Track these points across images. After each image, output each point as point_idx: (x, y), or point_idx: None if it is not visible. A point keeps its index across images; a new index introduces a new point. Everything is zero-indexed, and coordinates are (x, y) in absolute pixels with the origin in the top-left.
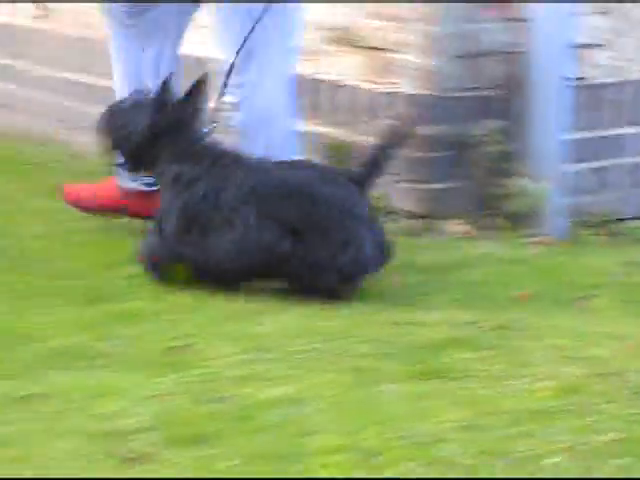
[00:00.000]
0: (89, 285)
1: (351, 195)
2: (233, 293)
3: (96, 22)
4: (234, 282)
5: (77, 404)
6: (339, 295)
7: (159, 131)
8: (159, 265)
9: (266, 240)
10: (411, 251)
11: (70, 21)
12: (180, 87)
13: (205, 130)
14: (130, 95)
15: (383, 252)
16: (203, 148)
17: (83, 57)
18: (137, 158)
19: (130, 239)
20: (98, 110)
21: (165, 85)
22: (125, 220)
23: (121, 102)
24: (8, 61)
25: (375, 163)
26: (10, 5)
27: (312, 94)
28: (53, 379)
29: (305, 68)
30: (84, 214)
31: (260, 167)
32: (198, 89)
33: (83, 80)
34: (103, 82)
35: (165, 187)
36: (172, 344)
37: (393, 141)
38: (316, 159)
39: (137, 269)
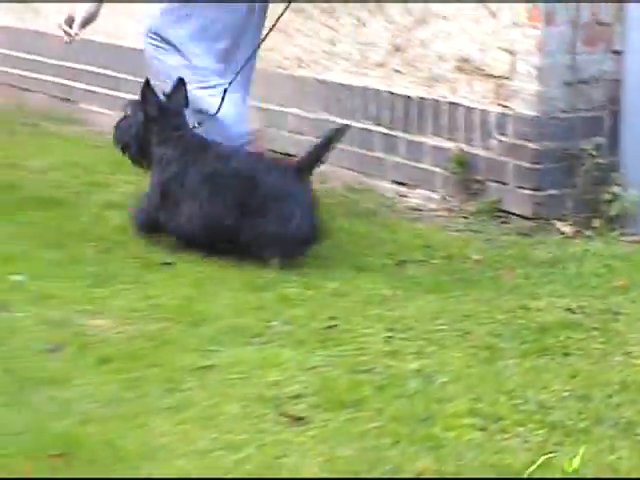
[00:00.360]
0: (249, 275)
1: (288, 182)
2: (373, 281)
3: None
4: (196, 244)
5: (246, 374)
6: (282, 264)
7: (148, 123)
8: (143, 227)
9: (215, 214)
10: (524, 248)
11: None
12: None
13: (186, 122)
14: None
15: (313, 229)
16: (181, 136)
17: None
18: (137, 148)
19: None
20: None
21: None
22: None
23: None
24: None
25: (315, 157)
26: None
27: (446, 115)
28: (226, 353)
29: (438, 92)
30: None
31: (221, 155)
32: (178, 89)
33: None
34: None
35: (152, 166)
36: (324, 324)
37: (330, 141)
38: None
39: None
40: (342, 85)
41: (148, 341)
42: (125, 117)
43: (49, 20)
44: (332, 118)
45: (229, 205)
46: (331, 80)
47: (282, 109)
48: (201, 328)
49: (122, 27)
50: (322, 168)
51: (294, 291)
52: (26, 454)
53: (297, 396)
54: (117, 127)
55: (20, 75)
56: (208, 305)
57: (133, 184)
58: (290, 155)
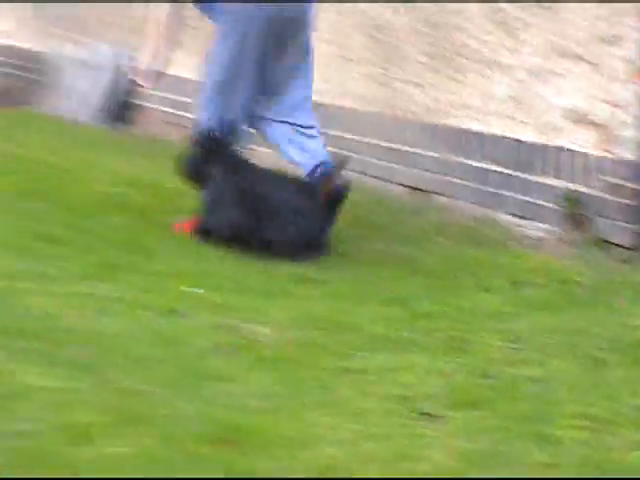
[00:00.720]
0: (384, 292)
1: (295, 197)
2: (493, 300)
3: None
4: (228, 240)
5: (383, 376)
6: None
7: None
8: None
9: (235, 218)
10: (626, 275)
11: None
12: None
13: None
14: None
15: (313, 236)
16: (230, 158)
17: None
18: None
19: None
20: None
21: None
22: None
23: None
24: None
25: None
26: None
27: (554, 157)
28: (366, 357)
29: (549, 137)
30: None
31: (250, 173)
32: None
33: None
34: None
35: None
36: (450, 335)
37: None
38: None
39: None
40: (464, 130)
41: (301, 346)
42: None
43: None
44: (455, 158)
45: (248, 213)
46: (455, 126)
47: (413, 150)
48: (345, 336)
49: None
50: (446, 201)
51: (425, 306)
52: (197, 439)
53: (428, 396)
54: (186, 155)
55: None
56: (351, 317)
57: None
58: (419, 189)
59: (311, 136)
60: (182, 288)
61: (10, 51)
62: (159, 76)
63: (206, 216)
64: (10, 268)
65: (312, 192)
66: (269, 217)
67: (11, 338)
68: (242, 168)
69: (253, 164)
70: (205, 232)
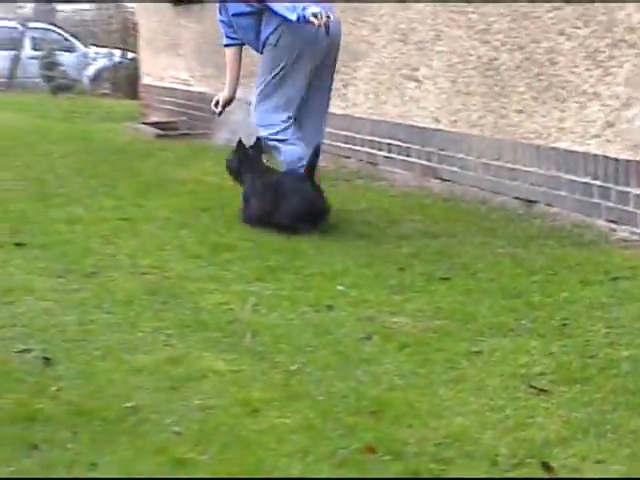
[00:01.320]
0: (504, 286)
1: (299, 182)
2: (594, 292)
3: None
4: (260, 223)
5: (504, 358)
6: (297, 231)
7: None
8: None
9: (262, 206)
10: None
11: None
12: None
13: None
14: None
15: (314, 208)
16: (258, 165)
17: None
18: (237, 173)
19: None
20: None
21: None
22: None
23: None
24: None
25: (310, 169)
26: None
27: None
28: (488, 342)
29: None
30: None
31: (270, 174)
32: (256, 144)
33: None
34: None
35: (246, 182)
36: (559, 323)
37: (314, 158)
38: None
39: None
40: (569, 151)
41: (433, 333)
42: (232, 157)
43: (360, 107)
44: (562, 175)
45: (268, 200)
46: (561, 147)
47: (524, 167)
48: (470, 324)
49: (409, 111)
50: (552, 210)
51: (537, 298)
52: (348, 411)
53: (541, 374)
54: (228, 161)
55: (340, 146)
56: (475, 308)
57: (421, 222)
58: (528, 201)
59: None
60: (339, 287)
61: (189, 95)
62: (225, 103)
63: (243, 207)
64: (193, 272)
65: (303, 177)
66: (281, 201)
67: (195, 330)
68: (264, 171)
69: (269, 167)
70: (245, 219)
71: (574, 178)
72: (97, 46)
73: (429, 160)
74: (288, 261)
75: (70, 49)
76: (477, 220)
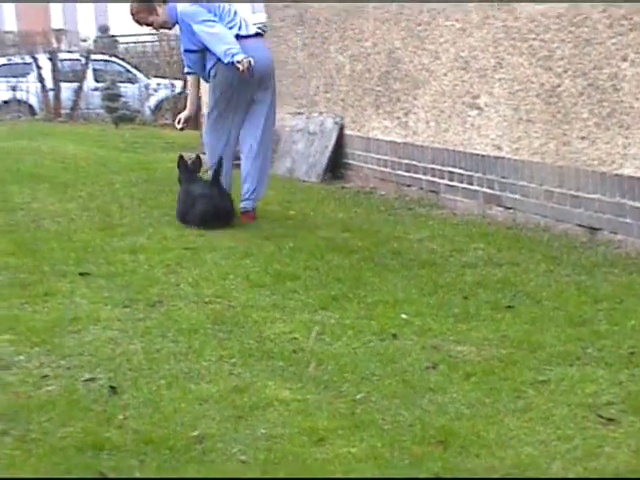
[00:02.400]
0: (571, 314)
1: (206, 189)
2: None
3: None
4: (181, 221)
5: (571, 387)
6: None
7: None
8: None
9: (181, 208)
10: None
11: None
12: None
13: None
14: None
15: (217, 210)
16: (190, 175)
17: None
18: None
19: None
20: None
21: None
22: None
23: None
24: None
25: (216, 176)
26: None
27: None
28: (555, 371)
29: None
30: None
31: (194, 183)
32: (196, 159)
33: None
34: None
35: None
36: (627, 351)
37: (219, 167)
38: None
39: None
40: (633, 177)
41: (499, 362)
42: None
43: (421, 136)
44: (626, 202)
45: (186, 202)
46: (625, 174)
47: (588, 195)
48: (536, 353)
49: (470, 139)
50: (616, 238)
51: (603, 327)
52: (415, 440)
53: (609, 403)
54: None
55: (401, 175)
56: (541, 336)
57: (484, 250)
58: (592, 228)
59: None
60: (403, 316)
61: None
62: (186, 120)
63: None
64: (257, 301)
65: (210, 184)
66: (192, 204)
67: (259, 359)
68: (192, 181)
69: (199, 178)
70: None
71: (639, 205)
72: (158, 77)
73: (491, 188)
74: (351, 290)
75: (132, 80)
76: (540, 248)
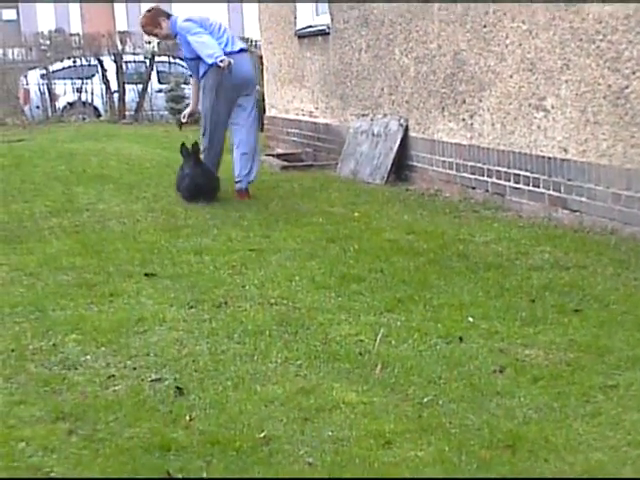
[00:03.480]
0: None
1: (191, 169)
2: None
3: None
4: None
5: (639, 392)
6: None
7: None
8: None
9: (177, 183)
10: None
11: None
12: None
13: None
14: None
15: (198, 187)
16: (188, 159)
17: None
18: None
19: None
20: None
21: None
22: None
23: None
24: None
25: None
26: None
27: None
28: (624, 376)
29: None
30: None
31: (186, 164)
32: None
33: None
34: None
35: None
36: None
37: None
38: None
39: None
40: None
41: (567, 366)
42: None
43: (486, 138)
44: None
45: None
46: None
47: None
48: (605, 357)
49: (536, 141)
50: None
51: None
52: (482, 444)
53: None
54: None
55: (466, 177)
56: (610, 340)
57: (550, 253)
58: None
59: None
60: (470, 319)
61: (314, 126)
62: (189, 115)
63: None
64: (323, 303)
65: (194, 164)
66: (182, 180)
67: (325, 361)
68: (188, 162)
69: (189, 159)
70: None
71: None
72: None
73: (557, 190)
74: (417, 292)
75: None
76: (608, 251)
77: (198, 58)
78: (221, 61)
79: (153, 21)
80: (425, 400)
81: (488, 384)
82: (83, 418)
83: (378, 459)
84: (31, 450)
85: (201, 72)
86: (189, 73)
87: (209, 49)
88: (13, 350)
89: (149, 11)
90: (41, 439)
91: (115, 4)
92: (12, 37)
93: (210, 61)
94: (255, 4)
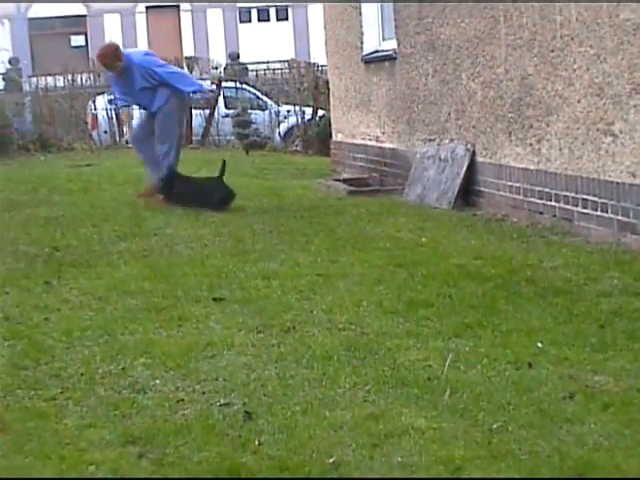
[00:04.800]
0: None
1: (213, 184)
2: None
3: None
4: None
5: None
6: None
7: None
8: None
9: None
10: None
11: None
12: None
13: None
14: None
15: (223, 198)
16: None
17: None
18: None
19: None
20: None
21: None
22: None
23: None
24: None
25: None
26: None
27: None
28: None
29: None
30: None
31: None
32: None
33: None
34: None
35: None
36: None
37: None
38: None
39: None
40: None
41: (637, 392)
42: None
43: (554, 163)
44: None
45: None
46: None
47: None
48: None
49: (604, 166)
50: None
51: None
52: (553, 471)
53: None
54: None
55: (534, 202)
56: None
57: (619, 279)
58: None
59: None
60: (539, 344)
61: (381, 151)
62: None
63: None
64: (391, 328)
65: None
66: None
67: (394, 386)
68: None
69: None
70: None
71: None
72: (288, 104)
73: (626, 215)
74: (485, 317)
75: (262, 107)
76: None
77: (155, 87)
78: (208, 85)
79: (116, 55)
80: (495, 426)
81: (558, 410)
82: (153, 442)
83: None
84: (101, 473)
85: (161, 99)
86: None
87: (189, 78)
88: (83, 374)
89: (109, 46)
90: (111, 462)
91: (182, 30)
92: (80, 63)
93: (192, 88)
94: (322, 29)
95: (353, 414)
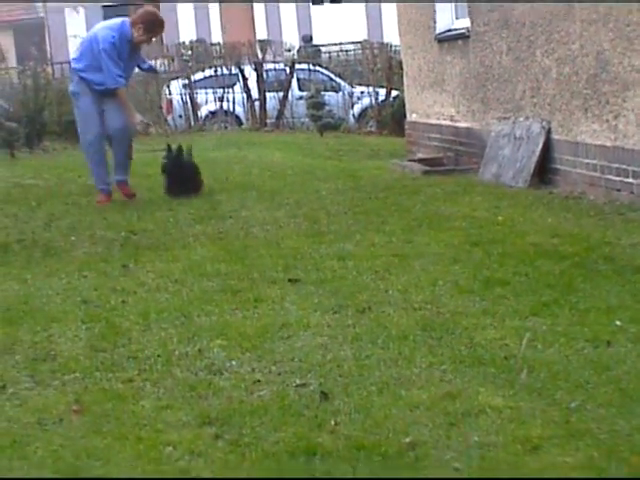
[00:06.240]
0: None
1: (184, 163)
2: None
3: None
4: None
5: None
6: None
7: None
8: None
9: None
10: None
11: None
12: None
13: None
14: None
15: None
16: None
17: None
18: None
19: None
20: None
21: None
22: None
23: None
24: None
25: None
26: None
27: None
28: None
29: None
30: None
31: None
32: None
33: None
34: None
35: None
36: None
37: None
38: None
39: None
40: None
41: None
42: None
43: (631, 139)
44: None
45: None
46: None
47: None
48: None
49: None
50: None
51: None
52: (633, 450)
53: None
54: None
55: (611, 179)
56: None
57: None
58: None
59: None
60: (617, 323)
61: (455, 130)
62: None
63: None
64: (467, 308)
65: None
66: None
67: (470, 365)
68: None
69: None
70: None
71: None
72: (362, 85)
73: None
74: (562, 296)
75: (336, 89)
76: None
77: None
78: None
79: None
80: (572, 405)
81: (638, 389)
82: (229, 423)
83: (525, 465)
84: (178, 454)
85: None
86: (325, 79)
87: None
88: (159, 355)
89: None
90: (188, 443)
91: (255, 14)
92: (155, 48)
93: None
94: (394, 9)
95: (429, 394)
